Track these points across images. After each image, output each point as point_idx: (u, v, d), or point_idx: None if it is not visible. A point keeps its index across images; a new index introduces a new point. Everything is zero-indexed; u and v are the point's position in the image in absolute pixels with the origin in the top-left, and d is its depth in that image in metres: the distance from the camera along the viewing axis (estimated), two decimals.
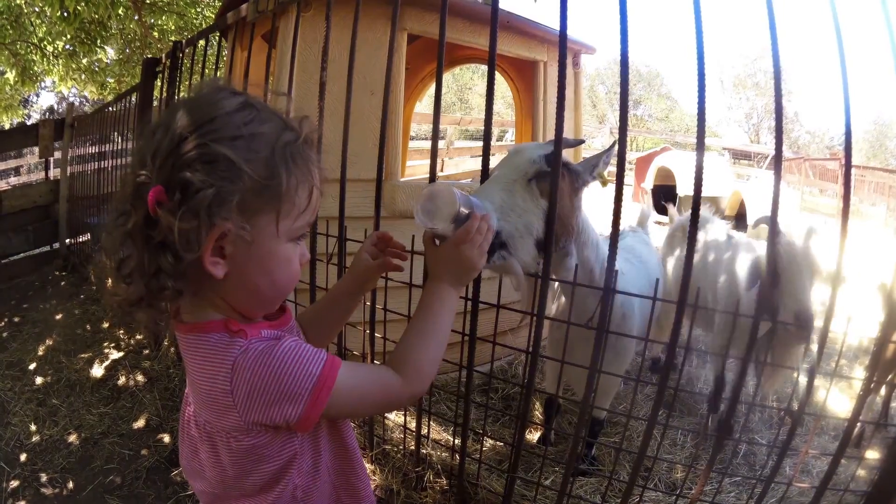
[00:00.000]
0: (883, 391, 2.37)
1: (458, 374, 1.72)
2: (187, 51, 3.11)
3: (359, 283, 1.03)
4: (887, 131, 25.34)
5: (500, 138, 12.97)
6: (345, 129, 1.57)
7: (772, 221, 1.25)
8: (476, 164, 8.18)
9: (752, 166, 16.95)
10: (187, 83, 2.96)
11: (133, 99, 3.93)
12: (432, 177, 1.40)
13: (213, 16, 5.36)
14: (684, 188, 8.26)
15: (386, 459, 1.92)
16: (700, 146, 1.16)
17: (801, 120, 26.95)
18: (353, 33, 1.59)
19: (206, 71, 2.77)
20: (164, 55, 3.54)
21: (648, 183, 9.25)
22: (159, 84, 3.62)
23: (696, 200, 1.19)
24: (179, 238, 0.64)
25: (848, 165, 1.26)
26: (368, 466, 1.89)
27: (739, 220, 7.12)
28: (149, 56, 7.29)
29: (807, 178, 12.96)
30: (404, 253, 1.03)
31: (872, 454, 2.18)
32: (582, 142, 1.86)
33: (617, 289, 1.27)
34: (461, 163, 8.84)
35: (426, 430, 1.82)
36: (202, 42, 2.86)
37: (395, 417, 2.21)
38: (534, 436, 2.37)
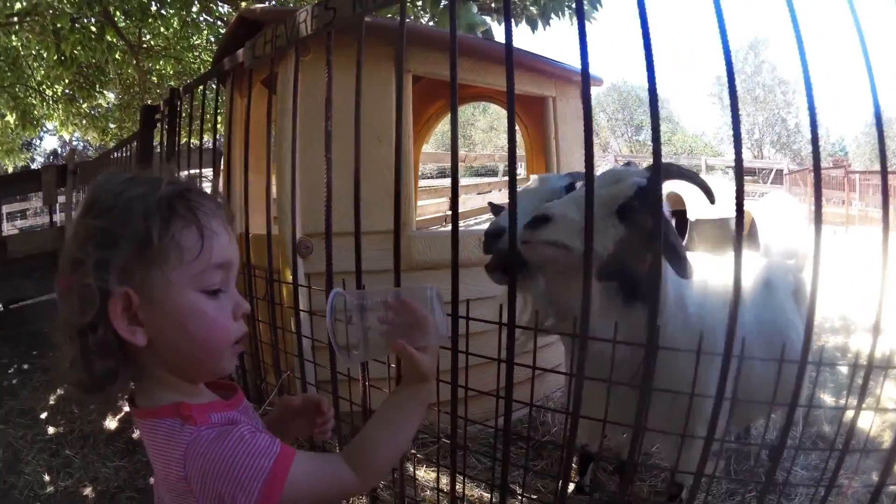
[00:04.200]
0: None
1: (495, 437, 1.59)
2: (185, 97, 3.07)
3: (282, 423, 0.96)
4: (888, 130, 24.98)
5: (505, 173, 13.04)
6: (356, 182, 1.47)
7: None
8: (483, 201, 8.17)
9: (757, 182, 16.90)
10: (187, 129, 2.92)
11: (134, 145, 3.90)
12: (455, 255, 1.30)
13: (211, 60, 5.32)
14: (695, 213, 8.11)
15: None
16: (739, 172, 1.08)
17: (802, 131, 26.86)
18: (357, 79, 1.51)
19: (206, 118, 2.70)
20: (162, 102, 3.50)
21: None
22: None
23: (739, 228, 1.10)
24: (74, 307, 0.69)
25: (884, 172, 1.16)
26: None
27: (751, 239, 6.90)
28: (149, 101, 7.30)
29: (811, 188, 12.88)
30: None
31: None
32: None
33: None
34: (468, 200, 8.78)
35: (461, 489, 1.68)
36: (200, 88, 2.81)
37: (424, 474, 2.08)
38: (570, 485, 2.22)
